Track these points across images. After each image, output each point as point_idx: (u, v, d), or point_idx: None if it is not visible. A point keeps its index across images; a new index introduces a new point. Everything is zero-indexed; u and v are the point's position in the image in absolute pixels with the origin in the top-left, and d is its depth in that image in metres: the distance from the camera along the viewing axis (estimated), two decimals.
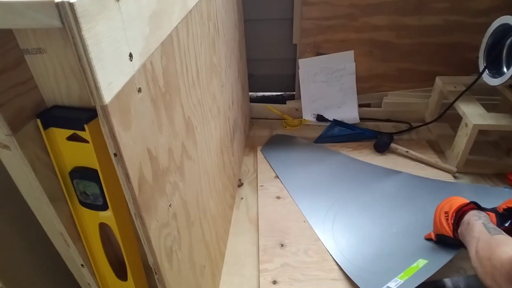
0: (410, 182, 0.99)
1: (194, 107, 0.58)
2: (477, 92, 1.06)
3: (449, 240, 0.72)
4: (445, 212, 0.72)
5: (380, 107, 1.29)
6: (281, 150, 1.16)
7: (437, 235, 0.75)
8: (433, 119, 1.18)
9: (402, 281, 0.69)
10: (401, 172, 1.02)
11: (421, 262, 0.72)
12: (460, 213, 0.69)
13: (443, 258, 0.72)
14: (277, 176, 1.05)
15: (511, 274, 0.49)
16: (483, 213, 0.66)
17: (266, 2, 1.17)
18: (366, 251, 0.79)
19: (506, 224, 0.68)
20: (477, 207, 0.69)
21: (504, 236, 0.57)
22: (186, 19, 0.52)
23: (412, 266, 0.72)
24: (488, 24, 1.00)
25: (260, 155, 1.14)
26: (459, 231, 0.68)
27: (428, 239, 0.78)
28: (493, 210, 0.70)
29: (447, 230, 0.71)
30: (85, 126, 0.36)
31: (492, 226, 0.62)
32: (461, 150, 1.00)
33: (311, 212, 0.92)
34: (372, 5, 1.13)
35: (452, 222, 0.70)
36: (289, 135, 1.24)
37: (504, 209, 0.68)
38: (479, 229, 0.61)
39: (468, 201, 0.71)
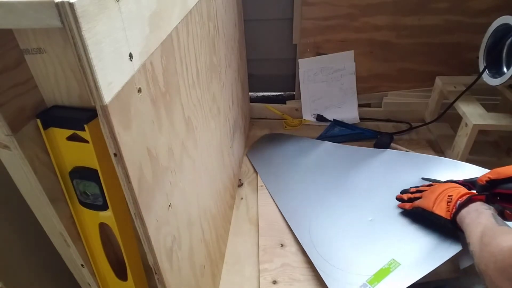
0: (394, 158, 0.97)
1: (194, 107, 0.58)
2: (477, 92, 1.06)
3: (431, 217, 0.70)
4: (449, 195, 0.71)
5: (380, 107, 1.29)
6: (264, 151, 1.14)
7: (416, 208, 0.74)
8: (433, 119, 1.18)
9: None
10: (386, 150, 1.02)
11: (393, 264, 0.69)
12: (469, 200, 0.67)
13: (418, 267, 0.67)
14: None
15: (505, 263, 0.48)
16: (491, 207, 0.65)
17: (266, 2, 1.17)
18: (340, 246, 0.77)
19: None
20: (487, 201, 0.68)
21: (511, 228, 0.56)
22: (186, 19, 0.52)
23: (383, 267, 0.69)
24: (488, 24, 1.00)
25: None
26: (459, 214, 0.67)
27: (401, 208, 0.79)
28: (473, 180, 0.71)
29: (442, 210, 0.69)
30: (85, 126, 0.36)
31: (500, 219, 0.61)
32: (461, 150, 1.00)
33: (289, 210, 0.90)
34: (372, 5, 1.13)
35: (457, 204, 0.67)
36: (276, 134, 1.22)
37: (487, 181, 0.68)
38: (487, 217, 0.60)
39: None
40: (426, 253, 0.70)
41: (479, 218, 0.61)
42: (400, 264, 0.69)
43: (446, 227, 0.69)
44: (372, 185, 0.91)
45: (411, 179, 0.87)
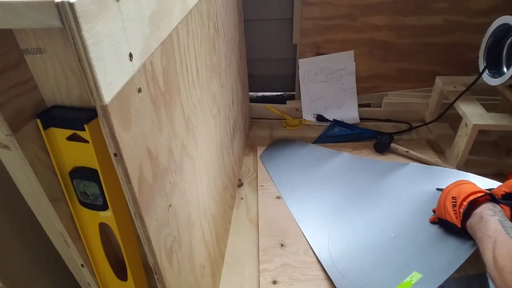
0: (416, 173, 0.95)
1: (194, 107, 0.58)
2: (477, 92, 1.06)
3: (451, 226, 0.69)
4: (453, 198, 0.68)
5: (380, 107, 1.30)
6: (280, 157, 1.12)
7: (439, 219, 0.73)
8: (433, 119, 1.18)
9: None
10: (407, 164, 0.99)
11: (415, 277, 0.68)
12: (472, 204, 0.65)
13: (439, 273, 0.67)
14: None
15: None
16: (498, 207, 0.62)
17: (266, 2, 1.17)
18: (360, 262, 0.76)
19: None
20: (492, 199, 0.65)
21: None
22: (186, 19, 0.52)
23: (405, 281, 0.68)
24: (488, 24, 1.00)
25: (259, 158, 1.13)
26: (468, 223, 0.64)
27: (433, 222, 0.76)
28: (491, 194, 0.68)
29: (452, 217, 0.67)
30: (85, 126, 0.36)
31: (510, 224, 0.57)
32: (461, 150, 1.00)
33: (307, 223, 0.89)
34: (372, 5, 1.13)
35: (462, 211, 0.65)
36: (289, 139, 1.20)
37: (502, 195, 0.66)
38: (495, 227, 0.57)
39: (481, 189, 0.67)
40: (446, 258, 0.69)
41: (487, 229, 0.58)
42: (422, 276, 0.68)
43: (463, 234, 0.68)
44: (392, 200, 0.89)
45: (431, 193, 0.85)
